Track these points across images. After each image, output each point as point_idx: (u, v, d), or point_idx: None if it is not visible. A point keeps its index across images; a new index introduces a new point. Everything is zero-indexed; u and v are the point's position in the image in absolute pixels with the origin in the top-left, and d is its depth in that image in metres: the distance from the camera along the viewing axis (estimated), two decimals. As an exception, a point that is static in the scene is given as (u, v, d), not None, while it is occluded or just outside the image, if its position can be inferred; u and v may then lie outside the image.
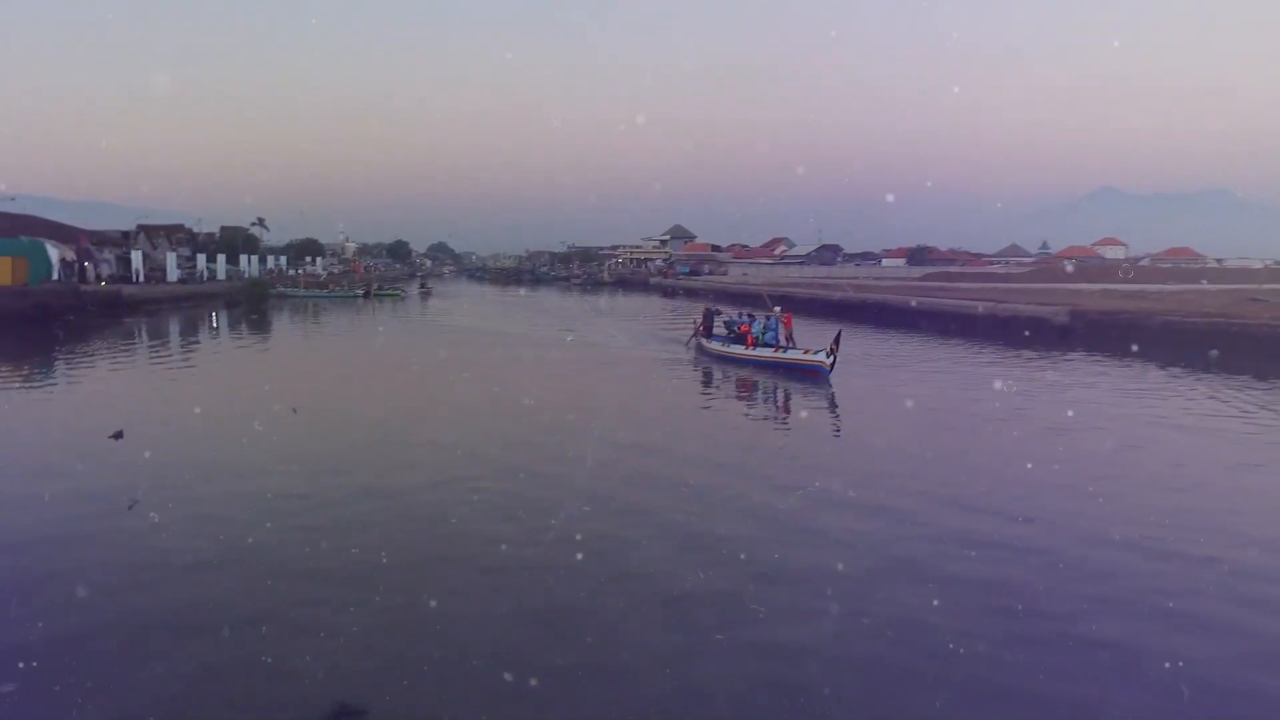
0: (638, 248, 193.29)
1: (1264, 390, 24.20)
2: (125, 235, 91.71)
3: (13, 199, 66.48)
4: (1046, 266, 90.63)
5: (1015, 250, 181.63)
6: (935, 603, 9.21)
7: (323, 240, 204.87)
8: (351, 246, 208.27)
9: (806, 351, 26.52)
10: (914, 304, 45.09)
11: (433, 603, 9.20)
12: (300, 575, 10.06)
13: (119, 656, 8.08)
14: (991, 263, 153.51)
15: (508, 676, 7.66)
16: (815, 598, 9.48)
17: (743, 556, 10.60)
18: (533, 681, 7.57)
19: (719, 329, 31.92)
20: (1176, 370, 27.79)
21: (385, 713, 7.12)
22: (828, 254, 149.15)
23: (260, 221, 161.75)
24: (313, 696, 7.31)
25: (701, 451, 16.62)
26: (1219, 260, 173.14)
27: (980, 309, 39.77)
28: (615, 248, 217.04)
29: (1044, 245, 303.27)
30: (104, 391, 24.72)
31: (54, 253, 53.24)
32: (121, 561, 10.51)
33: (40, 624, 8.61)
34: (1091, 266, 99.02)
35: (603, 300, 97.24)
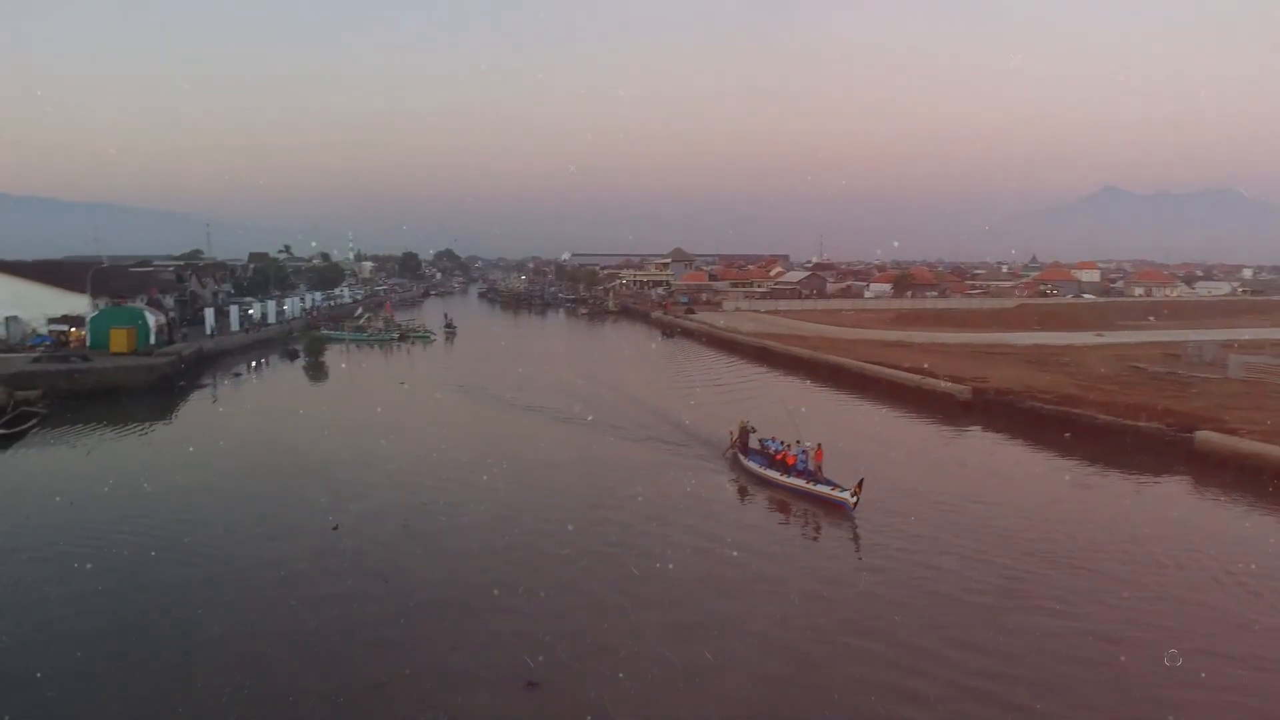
0: (640, 268, 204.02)
1: (1083, 466, 34.49)
2: (179, 278, 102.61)
3: (102, 261, 76.45)
4: (1004, 315, 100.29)
5: (995, 273, 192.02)
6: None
7: (333, 248, 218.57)
8: (367, 266, 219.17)
9: (835, 488, 29.06)
10: (862, 368, 55.61)
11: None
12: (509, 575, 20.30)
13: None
14: (972, 289, 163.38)
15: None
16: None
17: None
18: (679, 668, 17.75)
19: (754, 444, 34.78)
20: (1042, 449, 37.96)
21: (556, 684, 17.19)
22: (818, 280, 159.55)
23: (287, 249, 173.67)
24: (510, 665, 17.53)
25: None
26: (1190, 284, 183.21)
27: (911, 382, 50.07)
28: (620, 264, 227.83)
29: (1033, 259, 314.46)
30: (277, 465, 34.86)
31: (151, 319, 63.61)
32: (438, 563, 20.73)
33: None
34: (1050, 310, 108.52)
35: (608, 332, 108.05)
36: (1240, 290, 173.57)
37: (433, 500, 29.23)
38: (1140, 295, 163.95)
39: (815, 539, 26.94)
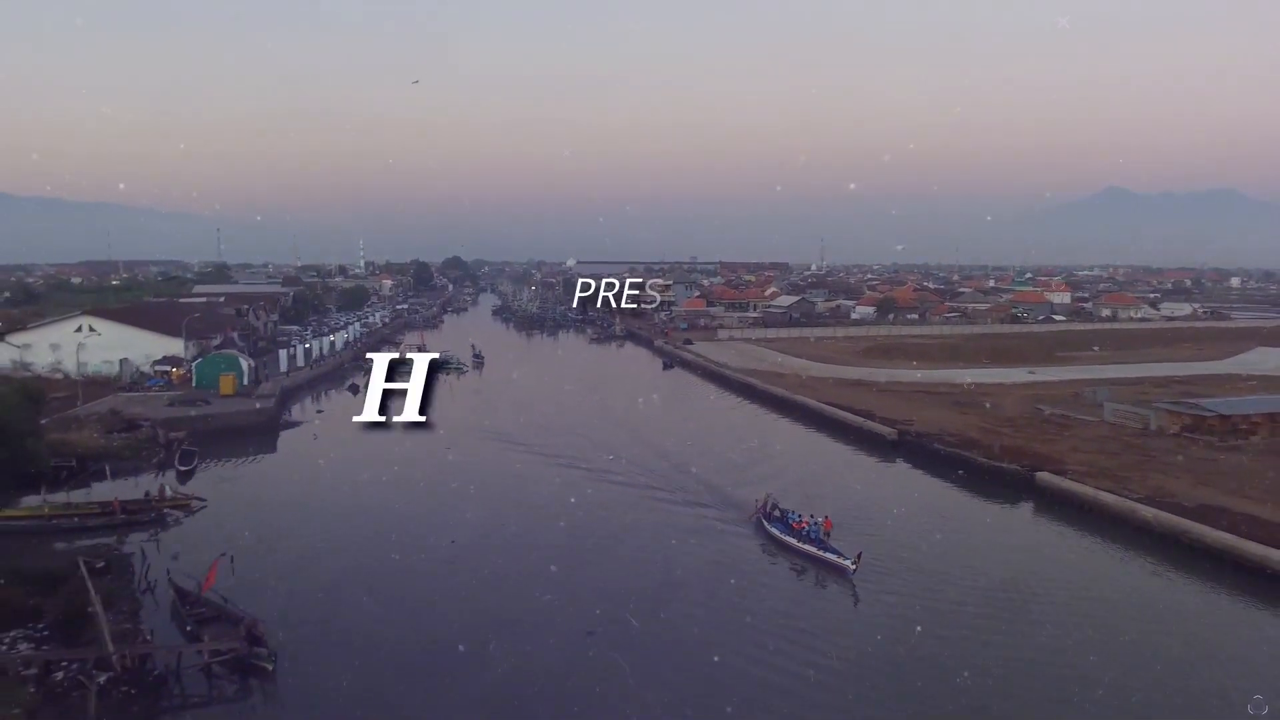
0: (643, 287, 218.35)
1: (970, 493, 48.32)
2: (237, 312, 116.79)
3: (118, 265, 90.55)
4: (964, 348, 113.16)
5: (976, 295, 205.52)
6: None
7: (343, 254, 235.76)
8: (387, 284, 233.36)
9: (840, 556, 35.85)
10: (821, 409, 69.66)
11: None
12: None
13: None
14: (951, 310, 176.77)
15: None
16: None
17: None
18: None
19: (775, 512, 41.22)
20: (940, 480, 51.72)
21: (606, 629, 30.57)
22: (806, 305, 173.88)
23: (316, 273, 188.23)
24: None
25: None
26: (1156, 306, 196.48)
27: (856, 423, 63.97)
28: (625, 272, 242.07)
29: (1021, 271, 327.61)
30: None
31: (244, 363, 77.52)
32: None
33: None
34: (1003, 342, 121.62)
35: (615, 358, 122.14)
36: (1201, 312, 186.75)
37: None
38: (1106, 317, 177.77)
39: (823, 597, 34.69)
